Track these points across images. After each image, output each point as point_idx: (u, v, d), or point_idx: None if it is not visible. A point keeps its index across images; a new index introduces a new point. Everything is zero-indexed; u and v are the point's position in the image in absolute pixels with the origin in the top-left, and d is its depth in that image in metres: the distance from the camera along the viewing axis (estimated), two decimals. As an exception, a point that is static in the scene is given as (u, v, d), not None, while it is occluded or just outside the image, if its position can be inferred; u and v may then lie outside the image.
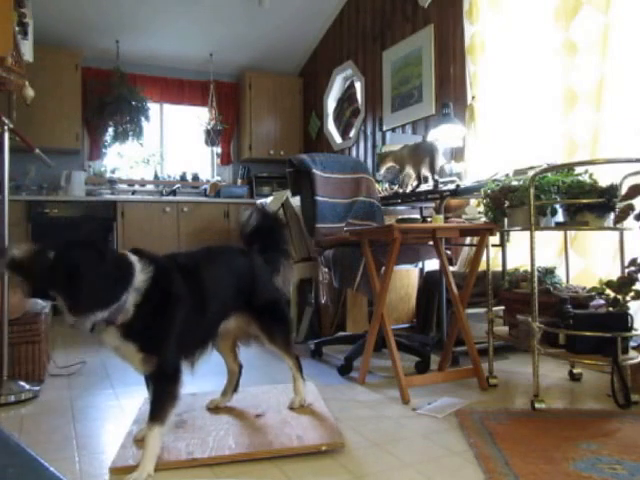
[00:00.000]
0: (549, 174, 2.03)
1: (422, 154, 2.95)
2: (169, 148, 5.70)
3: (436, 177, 2.95)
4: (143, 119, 5.12)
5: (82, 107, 4.98)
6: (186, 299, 1.51)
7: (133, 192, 5.37)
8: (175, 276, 1.50)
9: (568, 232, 2.42)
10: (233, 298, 1.71)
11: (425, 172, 2.95)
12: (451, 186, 2.87)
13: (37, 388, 2.18)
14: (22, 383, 2.17)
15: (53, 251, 1.31)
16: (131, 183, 5.44)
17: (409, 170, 3.04)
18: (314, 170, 2.67)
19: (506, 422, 1.78)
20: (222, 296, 1.66)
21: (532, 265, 1.95)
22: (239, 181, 5.76)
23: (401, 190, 3.18)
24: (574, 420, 1.81)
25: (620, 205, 1.90)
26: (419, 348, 2.56)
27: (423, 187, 3.11)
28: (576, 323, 1.90)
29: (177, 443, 1.60)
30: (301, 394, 1.88)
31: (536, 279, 1.94)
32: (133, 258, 1.43)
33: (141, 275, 1.40)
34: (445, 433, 1.71)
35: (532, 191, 1.91)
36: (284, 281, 1.92)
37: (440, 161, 2.98)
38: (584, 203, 1.95)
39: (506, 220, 2.15)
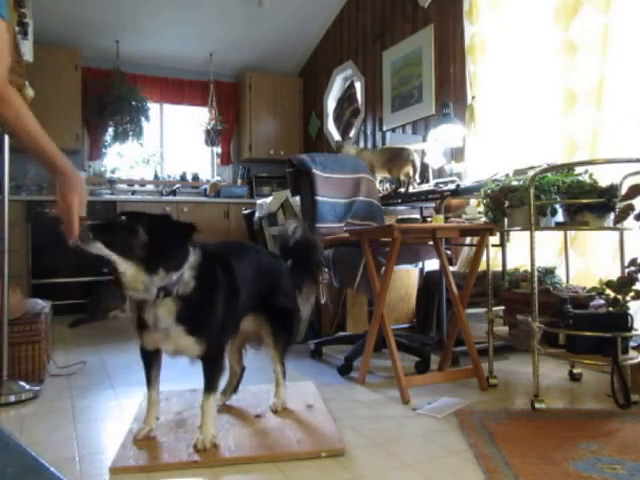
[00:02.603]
0: (549, 174, 2.03)
1: (399, 162, 3.17)
2: (169, 148, 5.69)
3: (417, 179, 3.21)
4: (143, 119, 5.12)
5: (82, 107, 4.97)
6: (227, 287, 1.61)
7: (133, 192, 5.36)
8: (218, 263, 1.61)
9: (568, 232, 2.42)
10: (256, 294, 1.78)
11: (403, 176, 3.17)
12: (451, 186, 2.87)
13: (37, 388, 2.18)
14: (22, 383, 2.17)
15: (126, 217, 1.46)
16: (131, 183, 5.43)
17: (381, 175, 3.30)
18: (314, 170, 2.67)
19: (506, 422, 1.78)
20: (249, 290, 1.74)
21: (532, 265, 1.95)
22: (239, 181, 5.76)
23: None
24: (574, 420, 1.81)
25: (620, 205, 1.90)
26: (419, 348, 2.56)
27: (424, 187, 3.11)
28: (576, 323, 1.90)
29: (177, 444, 1.60)
30: (282, 398, 1.93)
31: (536, 279, 1.94)
32: None
33: (194, 257, 1.53)
34: (445, 433, 1.71)
35: (532, 191, 1.91)
36: (303, 301, 2.01)
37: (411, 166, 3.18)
38: (584, 203, 1.95)
39: (506, 220, 2.15)
